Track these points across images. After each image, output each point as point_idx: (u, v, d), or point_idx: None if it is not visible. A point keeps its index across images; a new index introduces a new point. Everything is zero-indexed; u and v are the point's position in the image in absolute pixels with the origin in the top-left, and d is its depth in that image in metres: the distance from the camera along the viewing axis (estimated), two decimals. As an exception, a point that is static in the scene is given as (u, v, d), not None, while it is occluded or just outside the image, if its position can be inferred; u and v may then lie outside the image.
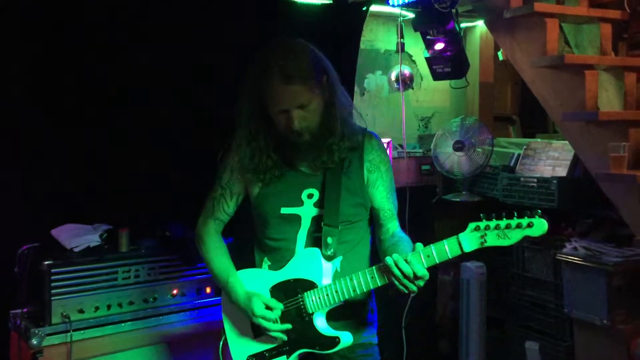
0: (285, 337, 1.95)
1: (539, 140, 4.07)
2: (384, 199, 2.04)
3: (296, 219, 1.99)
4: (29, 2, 2.87)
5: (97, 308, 2.74)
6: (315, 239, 1.96)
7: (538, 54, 3.21)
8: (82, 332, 2.68)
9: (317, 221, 1.97)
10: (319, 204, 1.97)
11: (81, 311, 2.70)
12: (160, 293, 2.90)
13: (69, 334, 2.62)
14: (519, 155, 3.95)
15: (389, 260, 1.74)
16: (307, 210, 1.98)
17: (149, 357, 2.84)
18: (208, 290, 3.04)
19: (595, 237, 3.32)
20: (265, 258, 2.07)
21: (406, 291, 1.76)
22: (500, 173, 3.87)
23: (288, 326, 1.94)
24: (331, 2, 3.71)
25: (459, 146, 3.98)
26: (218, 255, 2.10)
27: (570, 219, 3.51)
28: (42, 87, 2.93)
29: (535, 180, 3.59)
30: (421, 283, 1.75)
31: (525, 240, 3.64)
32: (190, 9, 3.22)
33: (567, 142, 3.43)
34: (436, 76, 3.90)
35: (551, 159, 3.72)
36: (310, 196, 1.99)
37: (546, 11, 3.19)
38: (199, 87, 3.24)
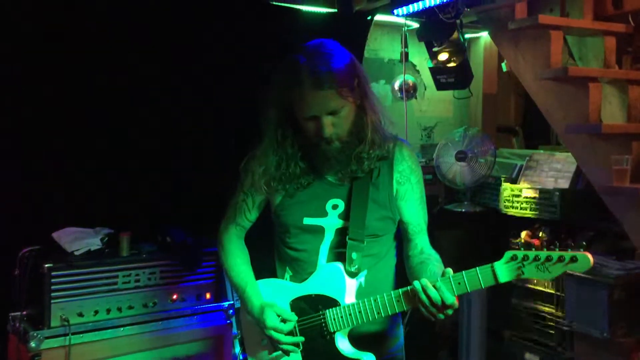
0: (297, 351, 1.83)
1: (541, 151, 4.07)
2: (413, 212, 1.93)
3: (319, 231, 1.89)
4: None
5: (96, 312, 2.73)
6: (339, 253, 1.86)
7: (542, 66, 3.22)
8: (81, 335, 2.67)
9: (341, 234, 1.87)
10: (344, 216, 1.87)
11: (80, 315, 2.70)
12: (160, 298, 2.90)
13: (67, 337, 2.62)
14: (521, 166, 3.95)
15: (417, 284, 1.65)
16: (331, 222, 1.88)
17: (147, 362, 2.84)
18: (208, 295, 3.03)
19: (597, 250, 3.31)
20: (287, 268, 1.97)
21: (433, 319, 1.67)
22: (502, 184, 3.87)
23: (301, 339, 1.83)
24: (336, 10, 3.73)
25: (461, 156, 3.98)
26: (238, 264, 2.01)
27: (571, 231, 3.50)
28: (44, 88, 2.94)
29: (538, 191, 3.59)
30: (450, 312, 1.64)
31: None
32: (198, 15, 3.24)
33: (569, 154, 3.43)
34: (440, 86, 3.91)
35: (554, 171, 3.72)
36: (335, 207, 1.89)
37: (551, 23, 3.20)
38: (203, 93, 3.25)
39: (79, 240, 2.87)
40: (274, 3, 3.54)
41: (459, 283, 1.64)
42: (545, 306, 3.53)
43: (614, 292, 3.02)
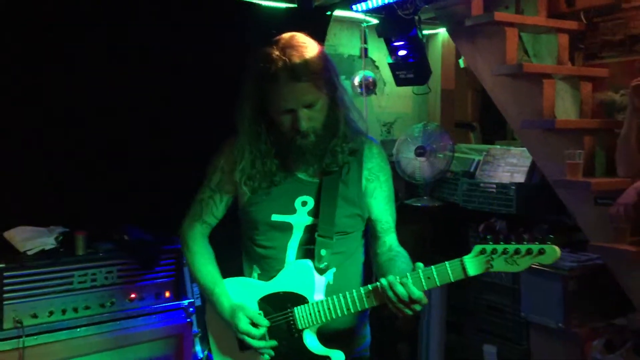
0: (271, 353, 1.82)
1: (498, 146, 4.14)
2: (382, 210, 1.93)
3: (288, 228, 1.87)
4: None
5: (51, 313, 2.67)
6: (307, 250, 1.85)
7: (498, 62, 3.27)
8: (35, 337, 2.61)
9: (309, 231, 1.85)
10: (314, 213, 1.85)
11: (34, 316, 2.63)
12: (118, 297, 2.85)
13: (21, 339, 2.55)
14: (479, 161, 4.02)
15: (384, 281, 1.64)
16: (299, 219, 1.86)
17: (105, 363, 2.79)
18: (167, 294, 2.99)
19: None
20: (255, 266, 1.94)
21: (401, 315, 1.67)
22: (460, 178, 3.93)
23: (273, 343, 1.82)
24: (295, 5, 3.71)
25: (420, 152, 4.02)
26: (204, 263, 1.97)
27: (527, 224, 3.57)
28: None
29: (495, 185, 3.66)
30: (418, 307, 1.64)
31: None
32: (154, 10, 3.18)
33: (525, 149, 3.50)
34: (399, 82, 3.94)
35: (510, 165, 3.79)
36: (304, 204, 1.87)
37: (506, 20, 3.25)
38: (158, 88, 3.19)
39: (33, 239, 2.80)
40: (232, -3, 3.51)
41: (429, 277, 1.65)
42: (502, 299, 3.60)
43: (568, 284, 3.10)
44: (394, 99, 4.83)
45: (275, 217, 1.87)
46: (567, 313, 3.09)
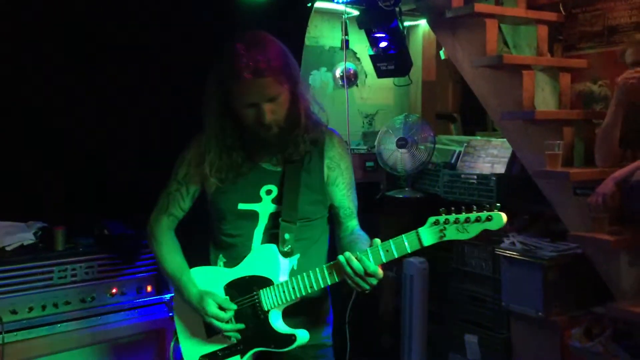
0: (238, 336, 1.91)
1: (478, 138, 4.17)
2: (343, 197, 2.02)
3: (253, 215, 1.95)
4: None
5: (31, 309, 2.64)
6: (272, 236, 1.93)
7: (478, 53, 3.29)
8: (14, 333, 2.58)
9: (275, 218, 1.94)
10: (278, 201, 1.94)
11: (14, 312, 2.60)
12: (99, 292, 2.82)
13: (0, 335, 2.52)
14: (459, 152, 4.04)
15: (341, 258, 1.74)
16: (265, 207, 1.95)
17: (86, 358, 2.76)
18: (149, 288, 2.97)
19: (532, 233, 3.43)
20: (221, 255, 2.02)
21: (359, 289, 1.75)
22: (441, 170, 3.94)
23: (241, 326, 1.91)
24: (276, -3, 3.69)
25: (402, 143, 4.03)
26: (171, 253, 2.04)
27: (508, 215, 3.59)
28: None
29: (475, 177, 3.68)
30: (373, 281, 1.73)
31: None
32: (129, 3, 3.14)
33: (505, 140, 3.53)
34: (380, 74, 3.94)
35: (490, 157, 3.82)
36: (268, 192, 1.96)
37: (486, 12, 3.27)
38: (134, 82, 3.16)
39: (11, 234, 2.76)
40: (212, -12, 3.47)
41: (387, 250, 1.73)
42: (483, 288, 3.63)
43: (548, 273, 3.13)
44: (375, 91, 4.83)
45: (242, 206, 1.95)
46: (547, 302, 3.13)
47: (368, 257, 1.73)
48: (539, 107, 3.31)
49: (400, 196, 4.10)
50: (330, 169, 1.99)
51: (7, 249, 2.70)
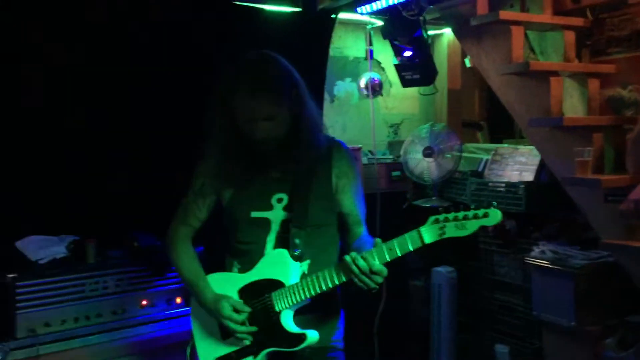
0: (251, 338, 1.99)
1: (506, 145, 4.13)
2: (352, 204, 2.09)
3: (266, 223, 2.03)
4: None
5: (64, 321, 2.70)
6: (284, 241, 2.00)
7: (504, 61, 3.26)
8: (48, 345, 2.63)
9: (286, 225, 2.02)
10: (288, 208, 2.02)
11: (47, 325, 2.65)
12: (129, 304, 2.86)
13: (35, 348, 2.57)
14: (487, 160, 4.00)
15: (347, 258, 1.81)
16: (276, 214, 2.03)
17: (118, 370, 2.80)
18: (178, 300, 3.00)
19: (562, 241, 3.38)
20: (235, 262, 2.11)
21: (365, 288, 1.81)
22: (469, 178, 3.91)
23: (254, 328, 1.98)
24: (300, 9, 3.72)
25: (428, 152, 4.01)
26: (188, 261, 2.13)
27: (537, 223, 3.56)
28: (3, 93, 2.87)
29: (504, 184, 3.64)
30: (379, 279, 1.80)
31: (494, 244, 3.70)
32: (160, 15, 3.19)
33: (533, 147, 3.49)
34: (405, 83, 3.93)
35: (518, 164, 3.78)
36: (279, 200, 2.04)
37: (511, 19, 3.24)
38: (167, 94, 3.21)
39: (44, 248, 2.81)
40: (237, 3, 3.51)
41: (390, 249, 1.81)
42: (513, 297, 3.58)
43: (580, 282, 3.08)
44: (400, 100, 4.83)
45: (255, 214, 2.04)
46: (579, 311, 3.07)
47: (373, 256, 1.80)
48: (567, 113, 3.26)
49: (428, 205, 4.08)
50: (338, 177, 2.07)
51: (41, 262, 2.75)
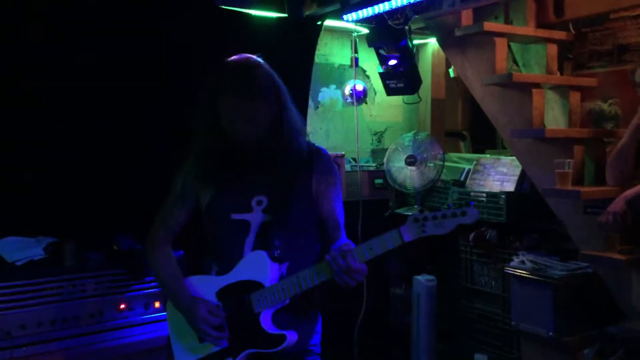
0: (225, 340, 1.99)
1: (488, 155, 4.16)
2: (331, 209, 2.10)
3: (245, 225, 2.04)
4: None
5: (40, 324, 2.64)
6: (263, 244, 2.01)
7: (487, 72, 3.29)
8: (23, 348, 2.58)
9: (265, 227, 2.03)
10: (268, 210, 2.03)
11: (23, 327, 2.60)
12: (107, 308, 2.83)
13: (9, 351, 2.52)
14: (469, 170, 4.03)
15: (327, 257, 1.85)
16: (256, 217, 2.04)
17: (94, 374, 2.76)
18: (157, 304, 2.97)
19: (542, 251, 3.40)
20: (214, 264, 2.10)
21: (345, 285, 1.85)
22: (451, 187, 3.94)
23: (226, 333, 1.99)
24: (286, 15, 3.72)
25: (411, 160, 4.03)
26: (165, 264, 2.12)
27: (518, 233, 3.58)
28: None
29: (485, 194, 3.67)
30: (359, 277, 1.85)
31: (475, 253, 3.72)
32: (144, 18, 3.18)
33: (515, 157, 3.52)
34: (389, 91, 3.95)
35: (500, 174, 3.81)
36: (259, 203, 2.05)
37: (495, 30, 3.28)
38: (148, 97, 3.19)
39: (21, 250, 2.77)
40: (222, 7, 3.51)
41: (370, 249, 1.86)
42: (492, 307, 3.60)
43: (559, 292, 3.10)
44: (384, 108, 4.85)
45: (234, 216, 2.04)
46: (558, 322, 3.10)
47: (353, 254, 1.84)
48: (549, 125, 3.30)
49: (409, 214, 4.08)
50: (318, 182, 2.09)
51: (17, 264, 2.71)
